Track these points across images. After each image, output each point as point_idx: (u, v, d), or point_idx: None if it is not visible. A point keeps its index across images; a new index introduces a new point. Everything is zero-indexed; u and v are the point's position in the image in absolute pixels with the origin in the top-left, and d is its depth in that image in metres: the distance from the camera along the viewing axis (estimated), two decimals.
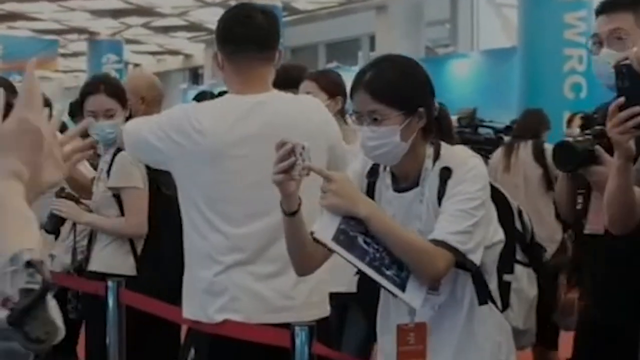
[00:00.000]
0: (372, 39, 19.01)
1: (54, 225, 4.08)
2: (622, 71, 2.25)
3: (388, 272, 2.26)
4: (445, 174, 2.36)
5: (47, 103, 5.98)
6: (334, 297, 3.14)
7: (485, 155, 6.02)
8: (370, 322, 2.58)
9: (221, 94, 3.77)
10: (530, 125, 6.48)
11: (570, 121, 6.98)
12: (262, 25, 2.96)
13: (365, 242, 2.27)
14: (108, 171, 3.92)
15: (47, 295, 1.20)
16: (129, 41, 22.80)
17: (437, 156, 2.40)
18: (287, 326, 2.68)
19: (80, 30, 22.16)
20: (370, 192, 2.45)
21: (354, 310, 3.89)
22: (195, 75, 27.21)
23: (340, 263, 2.48)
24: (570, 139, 2.71)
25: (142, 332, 3.75)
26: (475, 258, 2.32)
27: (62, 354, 4.46)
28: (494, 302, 2.46)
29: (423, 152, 2.41)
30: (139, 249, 3.93)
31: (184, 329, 4.12)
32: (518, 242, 2.57)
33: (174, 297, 3.18)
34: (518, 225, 2.59)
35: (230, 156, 2.87)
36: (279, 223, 2.42)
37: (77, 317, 4.23)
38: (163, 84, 4.84)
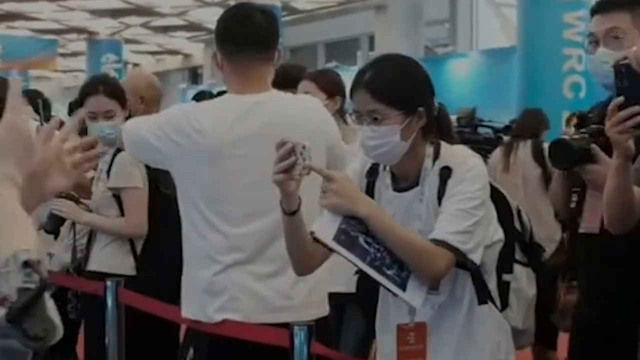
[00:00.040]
0: (372, 39, 19.02)
1: (53, 225, 4.08)
2: (621, 70, 2.25)
3: (389, 272, 2.26)
4: (445, 173, 2.36)
5: (46, 103, 5.99)
6: (333, 297, 3.14)
7: (485, 155, 6.01)
8: (369, 321, 2.58)
9: (220, 93, 3.77)
10: (530, 125, 6.49)
11: (569, 121, 6.98)
12: (261, 25, 2.96)
13: (366, 241, 2.27)
14: (108, 171, 3.92)
15: (45, 294, 1.21)
16: (128, 41, 22.81)
17: (437, 156, 2.40)
18: (286, 326, 2.68)
19: (79, 30, 22.17)
20: (370, 191, 2.45)
21: (352, 310, 3.89)
22: (194, 75, 27.22)
23: (339, 263, 2.48)
24: (566, 137, 2.71)
25: (141, 332, 3.75)
26: (476, 258, 2.32)
27: (62, 353, 4.46)
28: (493, 301, 2.46)
29: (423, 151, 2.41)
30: (138, 249, 3.94)
31: (183, 329, 4.13)
32: (517, 242, 2.57)
33: (174, 297, 3.18)
34: (517, 225, 2.59)
35: (229, 156, 2.87)
36: (278, 223, 2.42)
37: (76, 317, 4.24)
38: (162, 83, 4.84)
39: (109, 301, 3.62)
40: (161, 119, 3.02)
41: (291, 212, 2.29)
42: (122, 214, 3.93)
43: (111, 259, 3.94)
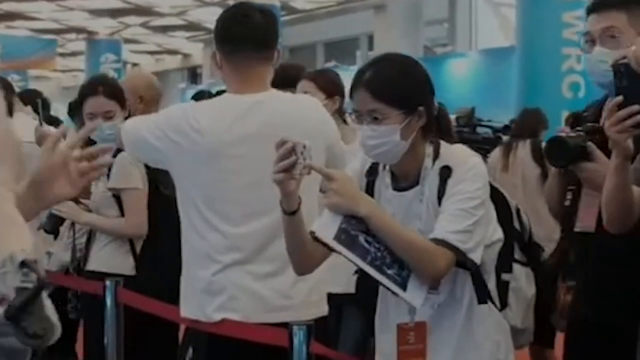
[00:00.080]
0: (371, 39, 19.03)
1: (53, 225, 4.08)
2: (621, 70, 2.26)
3: (389, 271, 2.26)
4: (445, 173, 2.36)
5: (45, 103, 5.99)
6: (332, 298, 3.14)
7: (484, 154, 6.01)
8: (369, 321, 2.58)
9: (219, 93, 3.77)
10: (529, 125, 6.49)
11: (568, 120, 6.98)
12: (260, 25, 2.96)
13: (366, 241, 2.27)
14: (108, 172, 3.92)
15: (43, 293, 1.21)
16: (128, 40, 22.81)
17: (436, 155, 2.40)
18: (286, 325, 2.68)
19: (78, 30, 22.16)
20: (370, 191, 2.45)
21: (350, 310, 3.89)
22: (193, 75, 27.22)
23: (338, 263, 2.48)
24: (563, 135, 2.72)
25: (140, 332, 3.75)
26: (476, 257, 2.32)
27: (61, 353, 4.47)
28: (492, 301, 2.46)
29: (423, 151, 2.41)
30: (138, 249, 3.94)
31: (182, 329, 4.12)
32: (516, 242, 2.58)
33: (173, 296, 3.18)
34: (516, 224, 2.59)
35: (228, 155, 2.87)
36: (277, 222, 2.42)
37: (76, 316, 4.24)
38: (161, 83, 4.84)
39: (108, 301, 3.61)
40: (160, 118, 3.02)
41: (291, 212, 2.29)
42: (122, 214, 3.93)
43: (111, 258, 3.95)
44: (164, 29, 22.54)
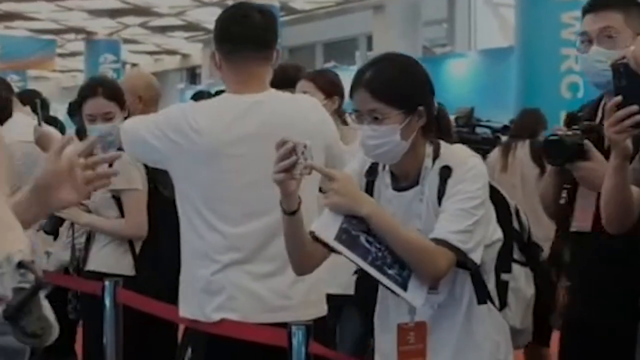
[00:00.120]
0: (370, 39, 19.03)
1: (52, 226, 4.08)
2: (620, 70, 2.26)
3: (390, 271, 2.26)
4: (446, 172, 2.36)
5: (44, 103, 5.99)
6: (330, 299, 3.13)
7: (483, 154, 6.01)
8: (368, 321, 2.58)
9: (218, 93, 3.77)
10: (528, 125, 6.49)
11: (565, 121, 6.97)
12: (259, 25, 2.96)
13: (367, 241, 2.27)
14: None
15: (41, 293, 1.22)
16: (127, 41, 22.81)
17: (436, 155, 2.40)
18: (284, 325, 2.68)
19: (77, 30, 22.16)
20: (369, 191, 2.45)
21: (349, 311, 3.89)
22: (192, 75, 27.22)
23: (337, 264, 2.48)
24: (560, 133, 2.72)
25: (139, 332, 3.75)
26: (476, 257, 2.32)
27: (60, 353, 4.47)
28: (492, 301, 2.46)
29: (423, 150, 2.41)
30: (137, 249, 3.94)
31: (181, 329, 4.12)
32: (515, 242, 2.58)
33: (173, 297, 3.18)
34: (515, 224, 2.59)
35: (227, 155, 2.87)
36: (276, 222, 2.42)
37: (76, 317, 4.24)
38: (160, 83, 4.84)
39: (107, 301, 3.61)
40: (159, 118, 3.02)
41: (291, 212, 2.28)
42: (122, 215, 3.93)
43: (110, 259, 3.95)
44: (163, 29, 22.54)
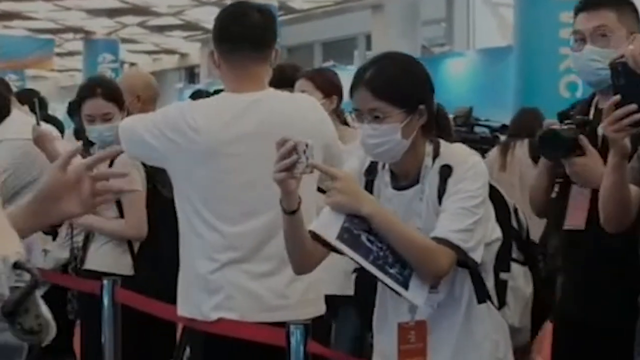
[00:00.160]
0: (368, 38, 19.01)
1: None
2: (618, 69, 2.26)
3: (391, 271, 2.26)
4: (446, 171, 2.36)
5: (42, 102, 5.99)
6: (327, 299, 3.13)
7: (482, 154, 6.01)
8: (367, 321, 2.58)
9: (217, 92, 3.77)
10: (526, 124, 6.49)
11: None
12: (258, 24, 2.96)
13: (369, 240, 2.26)
14: None
15: (37, 291, 1.22)
16: (125, 40, 22.80)
17: (437, 154, 2.40)
18: (283, 325, 2.68)
19: (76, 30, 22.15)
20: (369, 190, 2.44)
21: (346, 312, 3.88)
22: (191, 75, 27.21)
23: (335, 264, 2.48)
24: (555, 127, 2.72)
25: (138, 331, 3.75)
26: (477, 256, 2.32)
27: (59, 352, 4.47)
28: (491, 300, 2.46)
29: (423, 149, 2.40)
30: (136, 249, 3.94)
31: (180, 328, 4.12)
32: (514, 241, 2.58)
33: (172, 296, 3.19)
34: (514, 223, 2.60)
35: (225, 154, 2.87)
36: (274, 222, 2.41)
37: (76, 317, 4.24)
38: (159, 83, 4.84)
39: (105, 300, 3.61)
40: (157, 117, 3.02)
41: (291, 211, 2.28)
42: (121, 215, 3.93)
43: (108, 258, 3.94)
44: (162, 29, 22.53)
